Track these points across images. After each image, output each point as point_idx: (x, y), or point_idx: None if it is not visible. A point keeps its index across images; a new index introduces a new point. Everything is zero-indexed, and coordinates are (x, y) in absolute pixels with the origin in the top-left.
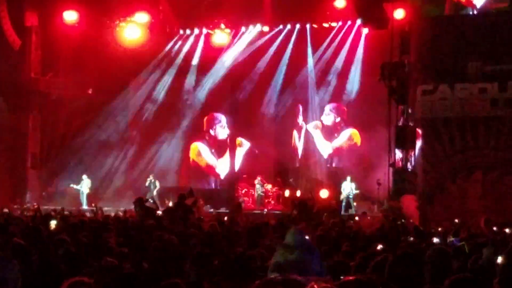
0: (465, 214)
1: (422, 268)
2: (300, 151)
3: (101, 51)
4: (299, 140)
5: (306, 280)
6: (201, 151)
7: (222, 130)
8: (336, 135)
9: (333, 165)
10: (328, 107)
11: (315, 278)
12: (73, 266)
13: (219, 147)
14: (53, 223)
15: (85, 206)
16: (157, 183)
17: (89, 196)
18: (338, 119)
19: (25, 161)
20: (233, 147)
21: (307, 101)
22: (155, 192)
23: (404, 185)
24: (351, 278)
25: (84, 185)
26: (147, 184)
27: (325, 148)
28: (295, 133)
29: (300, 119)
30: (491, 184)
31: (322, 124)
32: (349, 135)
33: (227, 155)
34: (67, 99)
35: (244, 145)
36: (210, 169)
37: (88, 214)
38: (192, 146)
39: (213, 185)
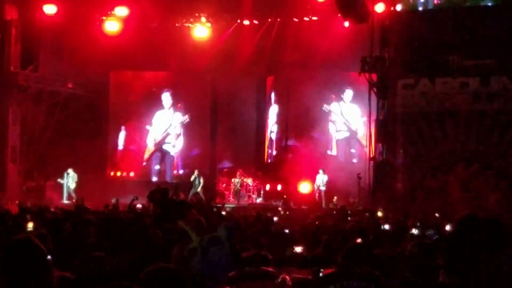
0: (446, 208)
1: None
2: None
3: (81, 45)
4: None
5: (278, 272)
6: None
7: None
8: None
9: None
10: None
11: None
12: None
13: None
14: (30, 225)
15: (65, 201)
16: (202, 180)
17: (75, 190)
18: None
19: (5, 155)
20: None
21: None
22: (199, 189)
23: (385, 179)
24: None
25: (70, 179)
26: (192, 179)
27: None
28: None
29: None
30: (471, 178)
31: None
32: None
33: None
34: (47, 93)
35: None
36: None
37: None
38: None
39: None
